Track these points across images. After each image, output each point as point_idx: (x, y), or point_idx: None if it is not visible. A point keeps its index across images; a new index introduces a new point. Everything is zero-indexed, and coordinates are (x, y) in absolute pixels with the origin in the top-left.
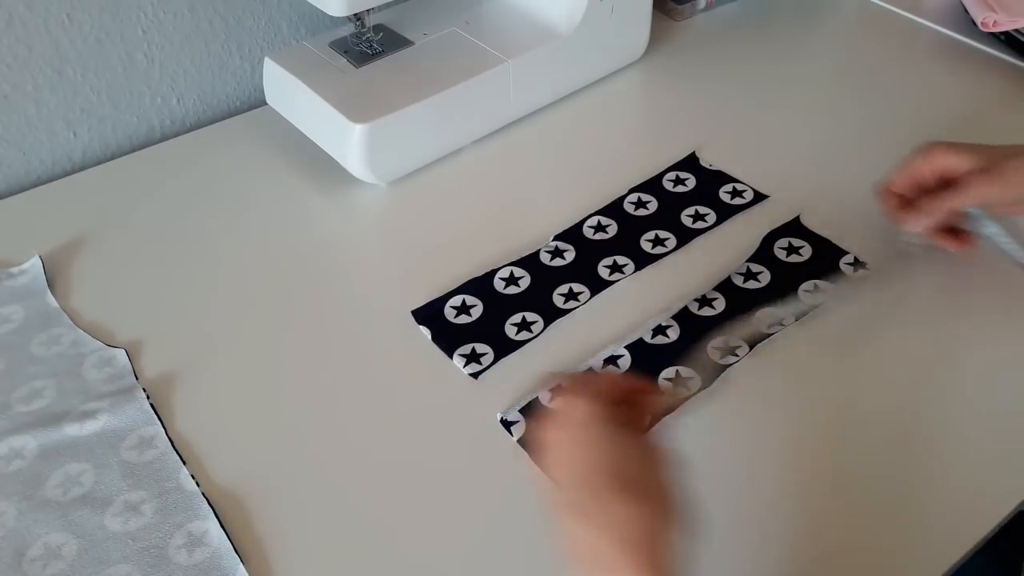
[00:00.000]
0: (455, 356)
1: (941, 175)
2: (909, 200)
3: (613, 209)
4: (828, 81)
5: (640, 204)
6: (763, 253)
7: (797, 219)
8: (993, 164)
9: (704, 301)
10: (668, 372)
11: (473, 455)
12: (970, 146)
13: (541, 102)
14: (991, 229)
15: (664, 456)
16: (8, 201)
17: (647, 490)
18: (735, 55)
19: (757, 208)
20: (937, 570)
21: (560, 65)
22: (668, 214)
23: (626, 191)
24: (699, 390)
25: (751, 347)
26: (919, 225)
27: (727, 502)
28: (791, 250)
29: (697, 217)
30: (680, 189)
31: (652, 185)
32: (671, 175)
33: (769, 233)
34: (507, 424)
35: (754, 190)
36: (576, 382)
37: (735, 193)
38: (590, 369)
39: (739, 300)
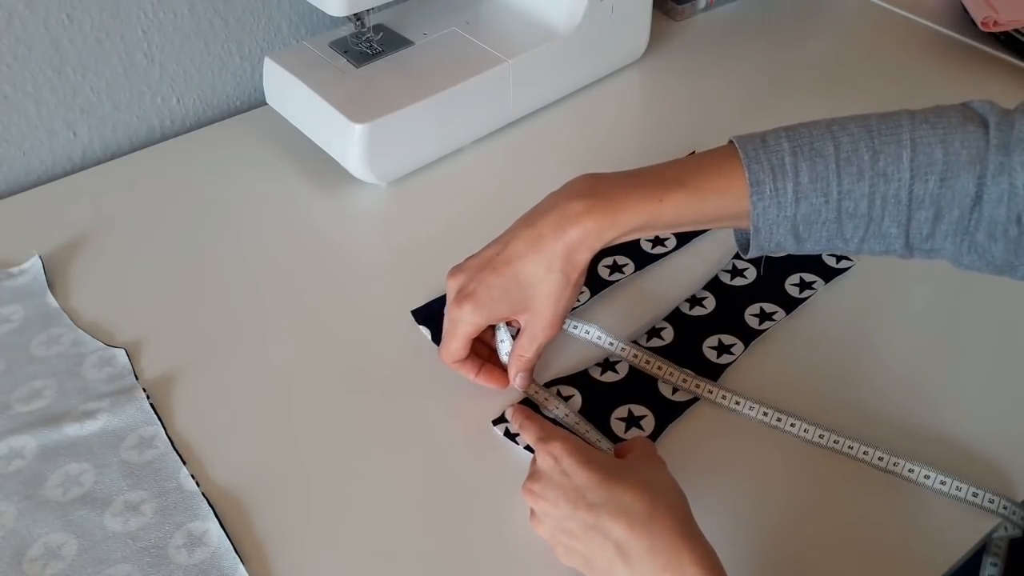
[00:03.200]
0: None
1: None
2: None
3: None
4: (828, 81)
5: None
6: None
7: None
8: (529, 310)
9: (695, 301)
10: (670, 375)
11: (473, 455)
12: (497, 291)
13: (541, 102)
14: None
15: (643, 466)
16: (8, 201)
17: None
18: (735, 55)
19: None
20: (937, 570)
21: (560, 65)
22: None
23: None
24: (700, 390)
25: (746, 345)
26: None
27: (728, 502)
28: None
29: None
30: None
31: None
32: None
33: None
34: (511, 435)
35: None
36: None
37: None
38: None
39: (728, 298)
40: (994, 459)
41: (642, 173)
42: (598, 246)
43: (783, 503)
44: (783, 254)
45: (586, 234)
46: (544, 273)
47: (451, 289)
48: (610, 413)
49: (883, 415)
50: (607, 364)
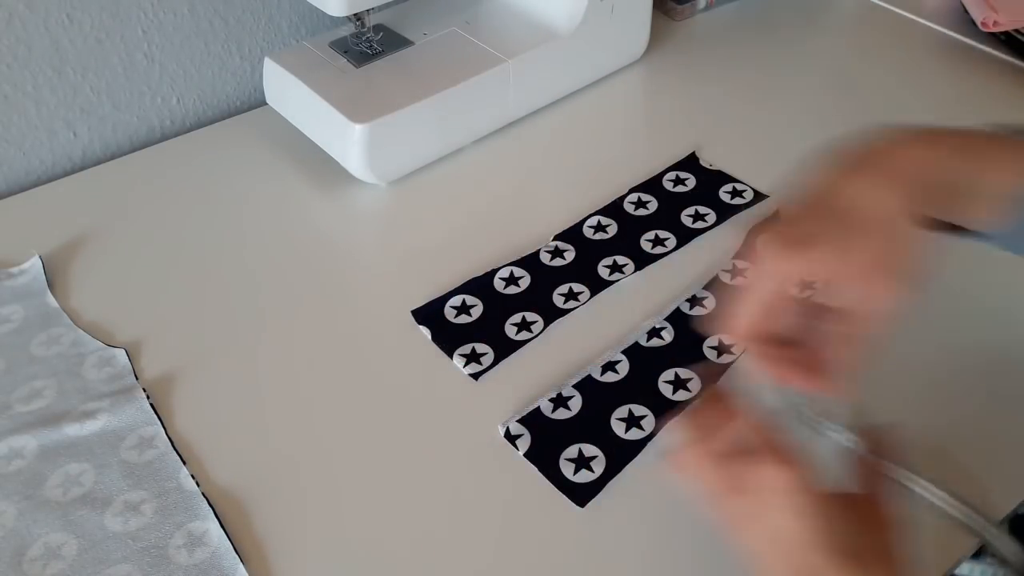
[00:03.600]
0: (455, 356)
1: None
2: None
3: (613, 209)
4: (828, 81)
5: (640, 204)
6: (748, 249)
7: (777, 212)
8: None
9: (695, 301)
10: (667, 375)
11: (473, 456)
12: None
13: (541, 102)
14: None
15: (884, 514)
16: (8, 201)
17: (873, 560)
18: (735, 55)
19: (757, 208)
20: (938, 569)
21: (560, 65)
22: (668, 214)
23: (626, 191)
24: (701, 391)
25: None
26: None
27: None
28: (678, 181)
29: (697, 217)
30: (680, 189)
31: (652, 185)
32: (671, 175)
33: (751, 228)
34: (511, 437)
35: (754, 190)
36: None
37: (735, 193)
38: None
39: (729, 297)
40: (994, 462)
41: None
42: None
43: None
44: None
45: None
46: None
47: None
48: (610, 413)
49: (883, 414)
50: (608, 364)
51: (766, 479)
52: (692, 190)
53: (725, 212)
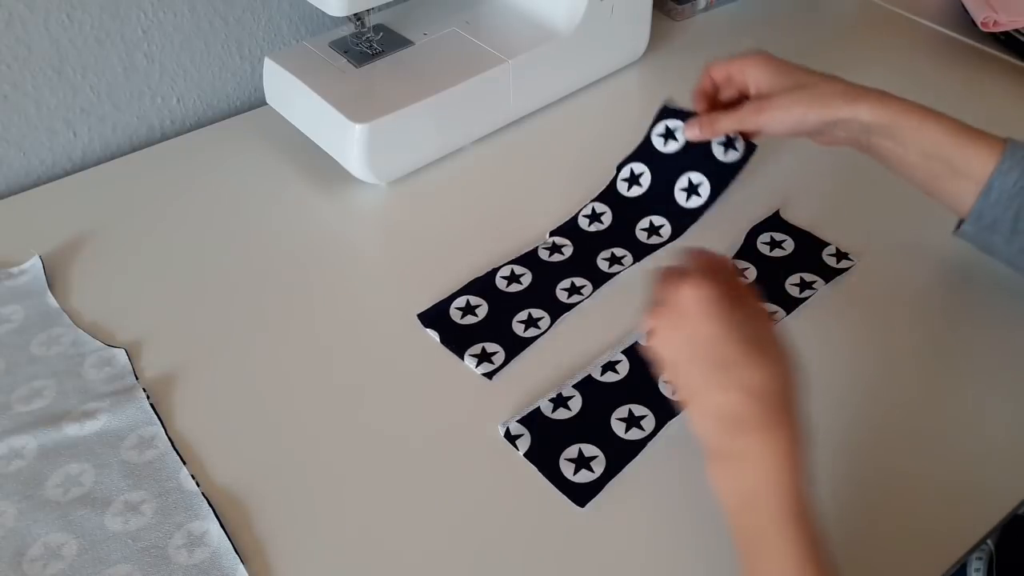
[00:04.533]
0: (466, 357)
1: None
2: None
3: (608, 194)
4: None
5: (633, 179)
6: (747, 249)
7: (777, 213)
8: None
9: None
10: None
11: (473, 456)
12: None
13: (541, 102)
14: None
15: (762, 307)
16: (8, 201)
17: (772, 352)
18: (735, 55)
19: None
20: (937, 569)
21: (560, 65)
22: (661, 195)
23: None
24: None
25: None
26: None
27: None
28: (774, 244)
29: (691, 190)
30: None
31: (643, 151)
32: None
33: (752, 229)
34: (511, 437)
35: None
36: (683, 269)
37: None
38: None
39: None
40: (992, 462)
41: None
42: (866, 115)
43: None
44: (985, 247)
45: (867, 101)
46: (814, 92)
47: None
48: (610, 413)
49: (883, 415)
50: (608, 365)
51: (684, 295)
52: (683, 148)
53: (722, 180)
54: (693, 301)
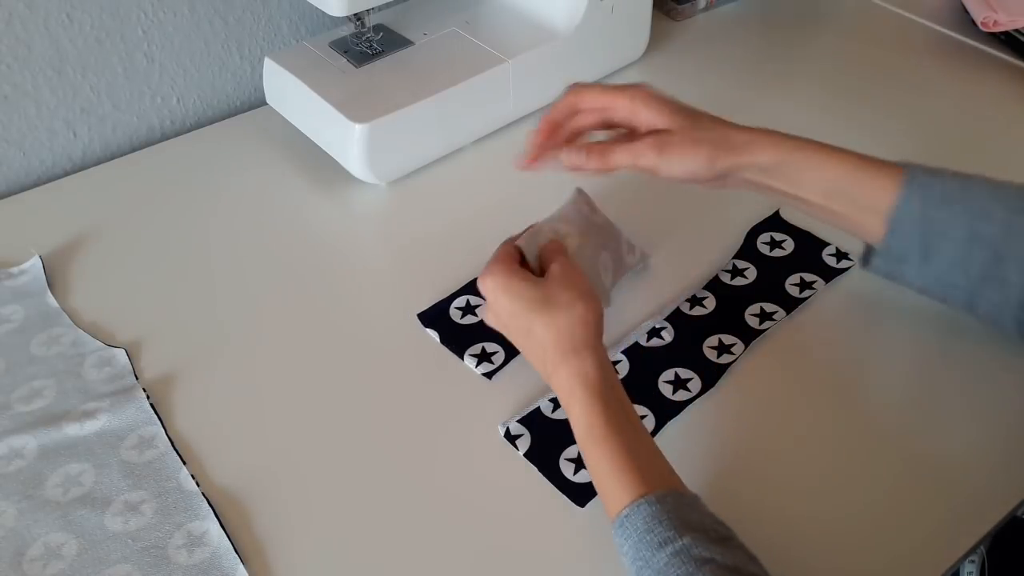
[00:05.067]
0: (466, 356)
1: (610, 118)
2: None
3: None
4: (828, 81)
5: None
6: (748, 249)
7: (777, 213)
8: (668, 136)
9: (695, 301)
10: (667, 375)
11: (473, 456)
12: (675, 103)
13: (541, 102)
14: None
15: (570, 275)
16: (8, 201)
17: (560, 303)
18: (735, 55)
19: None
20: (937, 569)
21: (560, 65)
22: None
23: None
24: (701, 392)
25: (746, 345)
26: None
27: (727, 500)
28: (774, 244)
29: None
30: None
31: None
32: None
33: (751, 229)
34: (511, 437)
35: None
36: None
37: None
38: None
39: (729, 298)
40: (991, 462)
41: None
42: (760, 157)
43: (783, 501)
44: (896, 278)
45: (760, 142)
46: (709, 132)
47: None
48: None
49: (883, 415)
50: None
51: (483, 286)
52: None
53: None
54: (489, 290)
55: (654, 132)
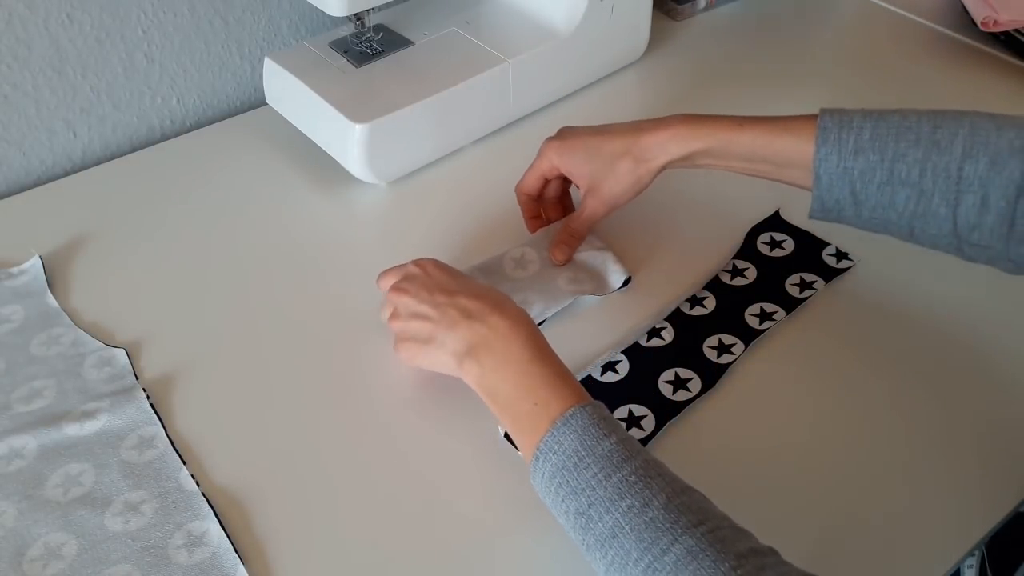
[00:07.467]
0: None
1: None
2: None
3: None
4: (828, 81)
5: None
6: (748, 249)
7: (777, 213)
8: (594, 182)
9: (695, 301)
10: (667, 375)
11: (474, 458)
12: (582, 147)
13: (541, 102)
14: None
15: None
16: (8, 201)
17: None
18: (735, 55)
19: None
20: (937, 569)
21: (560, 65)
22: None
23: None
24: (701, 392)
25: (746, 345)
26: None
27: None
28: (774, 244)
29: None
30: None
31: None
32: None
33: (751, 229)
34: (511, 438)
35: None
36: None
37: None
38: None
39: (729, 298)
40: (991, 462)
41: (732, 116)
42: (676, 153)
43: (782, 502)
44: (840, 222)
45: (672, 136)
46: (623, 154)
47: (550, 138)
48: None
49: (883, 414)
50: (608, 364)
51: (423, 262)
52: None
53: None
54: (425, 262)
55: (584, 178)
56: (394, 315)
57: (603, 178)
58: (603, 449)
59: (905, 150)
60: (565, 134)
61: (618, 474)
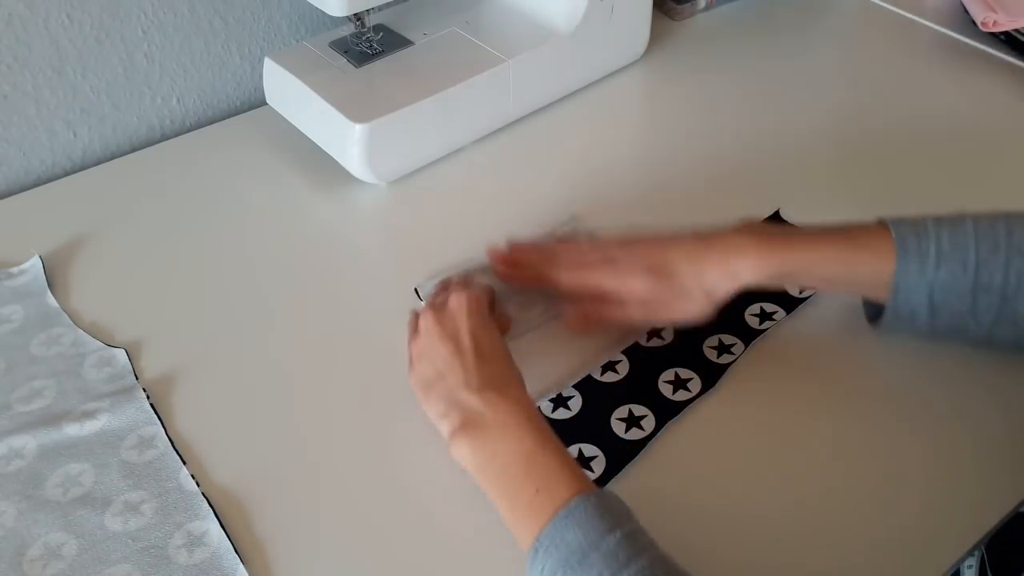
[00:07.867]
0: None
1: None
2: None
3: None
4: (828, 81)
5: None
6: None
7: (777, 213)
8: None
9: None
10: (667, 375)
11: None
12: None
13: (541, 102)
14: None
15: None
16: (8, 201)
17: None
18: (735, 55)
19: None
20: (937, 569)
21: (560, 65)
22: None
23: None
24: (701, 392)
25: (746, 345)
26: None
27: (726, 501)
28: None
29: None
30: None
31: None
32: None
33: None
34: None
35: None
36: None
37: None
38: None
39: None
40: (991, 461)
41: (799, 228)
42: (749, 280)
43: (783, 500)
44: (910, 331)
45: (746, 267)
46: (693, 288)
47: (593, 249)
48: (610, 413)
49: (883, 414)
50: (608, 364)
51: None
52: None
53: None
54: (471, 298)
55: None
56: (414, 337)
57: (661, 310)
58: (608, 545)
59: (987, 256)
60: (610, 253)
61: (624, 574)
